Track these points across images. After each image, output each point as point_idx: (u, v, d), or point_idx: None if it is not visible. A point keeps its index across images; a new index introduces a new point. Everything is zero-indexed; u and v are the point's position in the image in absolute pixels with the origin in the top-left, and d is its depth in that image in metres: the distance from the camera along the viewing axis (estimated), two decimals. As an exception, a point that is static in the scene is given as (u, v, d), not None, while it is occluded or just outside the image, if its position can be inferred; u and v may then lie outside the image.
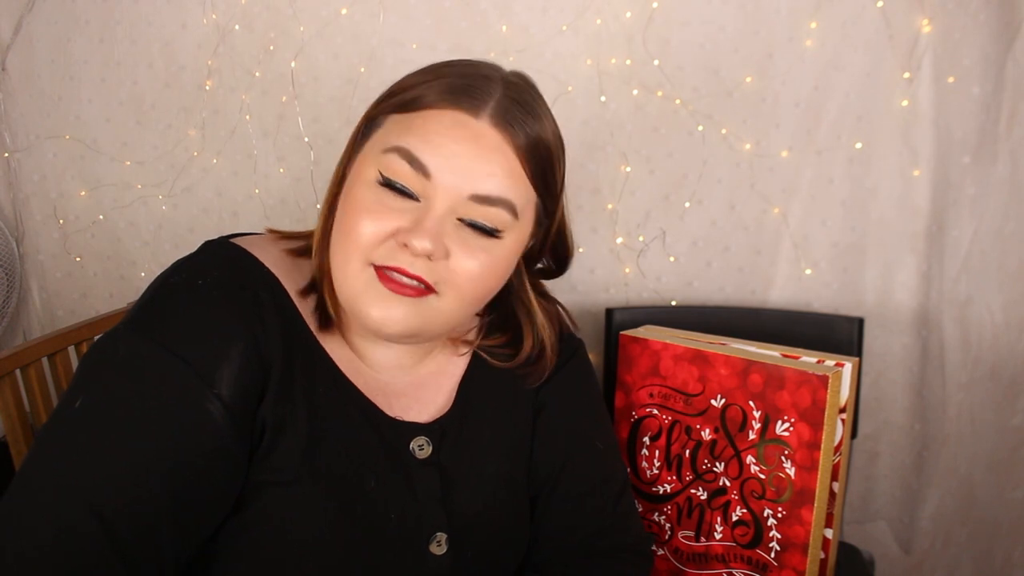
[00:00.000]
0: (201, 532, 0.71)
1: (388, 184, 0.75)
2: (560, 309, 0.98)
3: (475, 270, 0.76)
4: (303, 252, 0.85)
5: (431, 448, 0.83)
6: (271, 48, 1.50)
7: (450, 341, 0.91)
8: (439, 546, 0.80)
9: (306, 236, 0.86)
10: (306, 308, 0.81)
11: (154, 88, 1.52)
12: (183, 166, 1.54)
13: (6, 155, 1.55)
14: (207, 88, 1.51)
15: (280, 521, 0.73)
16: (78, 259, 1.59)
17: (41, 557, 0.63)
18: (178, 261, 0.76)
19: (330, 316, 0.81)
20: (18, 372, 1.12)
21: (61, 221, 1.57)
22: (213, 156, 1.54)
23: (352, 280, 0.75)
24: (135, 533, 0.66)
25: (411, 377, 0.87)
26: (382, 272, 0.74)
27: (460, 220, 0.76)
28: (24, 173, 1.56)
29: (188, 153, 1.54)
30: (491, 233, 0.77)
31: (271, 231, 0.87)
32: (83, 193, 1.56)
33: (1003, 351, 1.41)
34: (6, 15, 1.50)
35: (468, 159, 0.75)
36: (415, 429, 0.83)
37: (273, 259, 0.80)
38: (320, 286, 0.82)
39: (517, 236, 0.80)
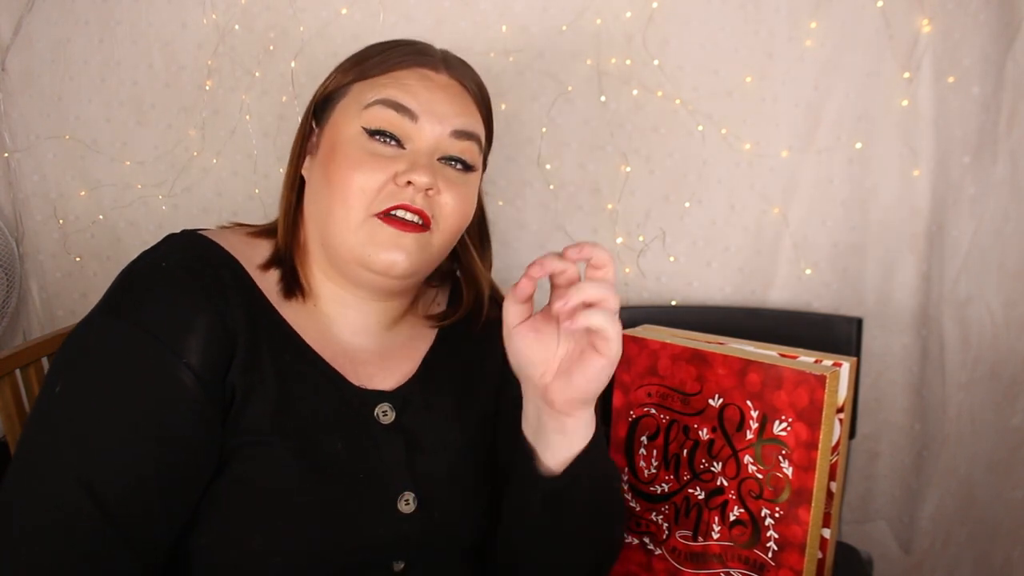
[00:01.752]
0: (187, 498, 0.75)
1: (377, 133, 0.83)
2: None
3: (459, 204, 0.86)
4: (262, 234, 0.91)
5: (394, 414, 0.87)
6: (271, 48, 1.50)
7: (417, 316, 0.96)
8: (407, 504, 0.84)
9: (265, 225, 0.93)
10: (267, 283, 0.85)
11: (154, 88, 1.52)
12: (183, 166, 1.54)
13: (6, 155, 1.55)
14: (207, 88, 1.52)
15: (255, 481, 0.77)
16: (78, 259, 1.59)
17: (40, 535, 0.67)
18: (142, 252, 0.82)
19: (301, 285, 0.87)
20: (18, 372, 1.13)
21: (61, 221, 1.57)
22: (213, 156, 1.54)
23: (356, 231, 0.81)
24: (124, 503, 0.69)
25: (378, 346, 0.91)
26: (385, 217, 0.81)
27: (440, 160, 0.86)
28: (24, 173, 1.56)
29: (188, 153, 1.54)
30: (467, 168, 0.88)
31: (231, 224, 0.94)
32: (83, 193, 1.56)
33: (1003, 351, 1.40)
34: (6, 15, 1.50)
35: (443, 103, 0.86)
36: (379, 396, 0.87)
37: (231, 243, 0.86)
38: (290, 258, 0.88)
39: (478, 172, 0.92)
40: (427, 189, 0.82)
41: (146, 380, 0.72)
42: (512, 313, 0.80)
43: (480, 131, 0.90)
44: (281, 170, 1.52)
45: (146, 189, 1.55)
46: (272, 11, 1.48)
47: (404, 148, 0.84)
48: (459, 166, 0.87)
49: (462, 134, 0.87)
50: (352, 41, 1.48)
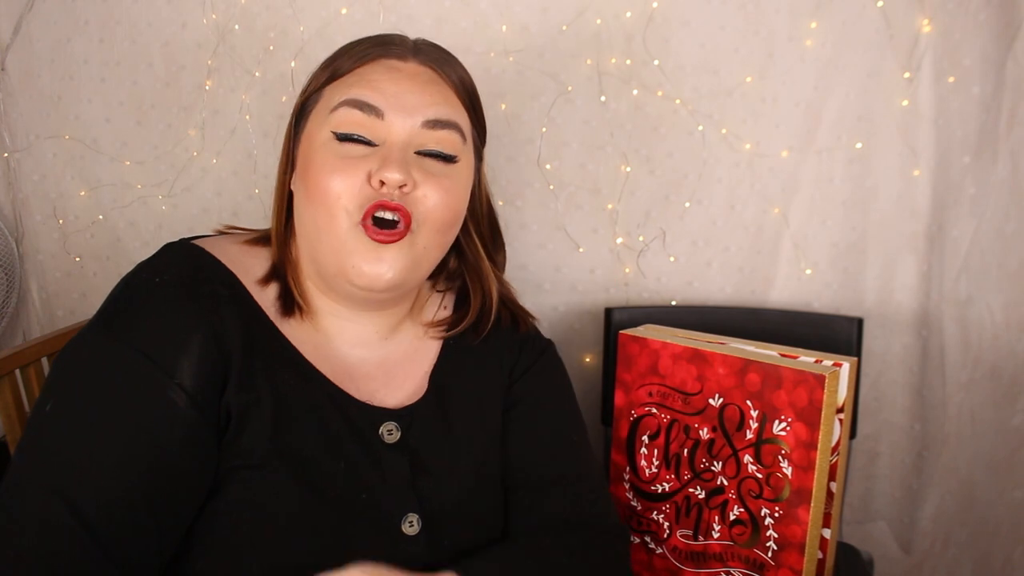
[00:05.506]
0: (180, 520, 0.73)
1: (345, 137, 0.80)
2: (516, 301, 1.01)
3: (443, 197, 0.81)
4: (261, 241, 0.89)
5: (399, 433, 0.85)
6: (271, 48, 1.50)
7: (419, 324, 0.93)
8: (411, 526, 0.82)
9: (264, 231, 0.90)
10: (265, 299, 0.83)
11: (154, 88, 1.52)
12: (183, 166, 1.54)
13: (6, 155, 1.55)
14: (207, 88, 1.51)
15: (253, 503, 0.75)
16: (78, 259, 1.59)
17: (30, 556, 0.65)
18: (139, 263, 0.80)
19: (296, 302, 0.84)
20: (18, 372, 1.13)
21: (61, 221, 1.57)
22: (213, 156, 1.54)
23: (343, 242, 0.79)
24: (114, 525, 0.68)
25: (378, 357, 0.89)
26: (368, 225, 0.78)
27: (418, 153, 0.82)
28: (24, 173, 1.56)
29: (188, 153, 1.54)
30: (449, 159, 0.83)
31: (228, 228, 0.91)
32: (83, 193, 1.56)
33: (1003, 351, 1.41)
34: (6, 15, 1.50)
35: (412, 94, 0.82)
36: (384, 414, 0.85)
37: (230, 255, 0.83)
38: (283, 274, 0.85)
39: (467, 162, 0.87)
40: (401, 186, 0.78)
41: (136, 400, 0.71)
42: None
43: (459, 119, 0.85)
44: (281, 170, 1.53)
45: (146, 189, 1.55)
46: (272, 11, 1.48)
47: (376, 146, 0.81)
48: (439, 158, 0.83)
49: (436, 123, 0.82)
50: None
